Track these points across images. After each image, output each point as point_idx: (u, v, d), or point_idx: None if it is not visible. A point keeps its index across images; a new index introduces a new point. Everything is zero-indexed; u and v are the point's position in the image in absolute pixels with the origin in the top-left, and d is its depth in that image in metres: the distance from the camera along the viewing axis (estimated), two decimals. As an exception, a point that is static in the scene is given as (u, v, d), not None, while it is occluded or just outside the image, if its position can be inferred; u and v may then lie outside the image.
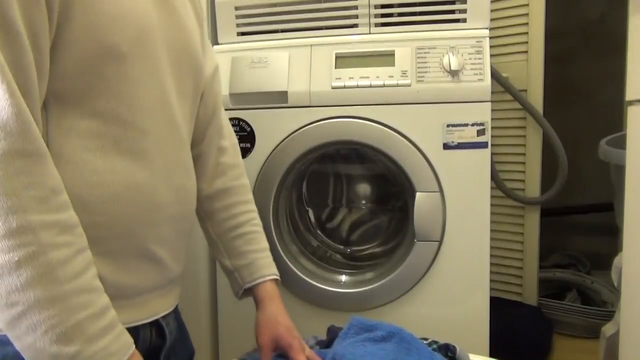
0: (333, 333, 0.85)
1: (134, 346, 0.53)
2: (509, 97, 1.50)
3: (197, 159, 0.77)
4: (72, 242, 0.49)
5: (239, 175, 0.83)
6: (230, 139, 0.84)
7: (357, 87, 1.14)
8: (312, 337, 0.87)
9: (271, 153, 1.19)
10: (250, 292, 0.80)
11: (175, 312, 0.72)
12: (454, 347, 0.78)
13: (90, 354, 0.48)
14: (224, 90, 1.20)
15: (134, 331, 0.59)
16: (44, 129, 0.53)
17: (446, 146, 1.12)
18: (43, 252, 0.46)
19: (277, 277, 0.81)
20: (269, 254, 0.82)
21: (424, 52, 1.13)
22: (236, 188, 0.81)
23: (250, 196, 0.84)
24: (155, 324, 0.65)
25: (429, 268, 1.15)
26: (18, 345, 0.48)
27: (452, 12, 1.16)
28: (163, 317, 0.66)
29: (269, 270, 0.80)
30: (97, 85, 0.54)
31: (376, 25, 1.19)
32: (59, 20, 0.50)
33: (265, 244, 0.83)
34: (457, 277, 1.15)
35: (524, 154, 1.56)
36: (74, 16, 0.51)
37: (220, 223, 0.80)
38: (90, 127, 0.55)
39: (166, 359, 0.68)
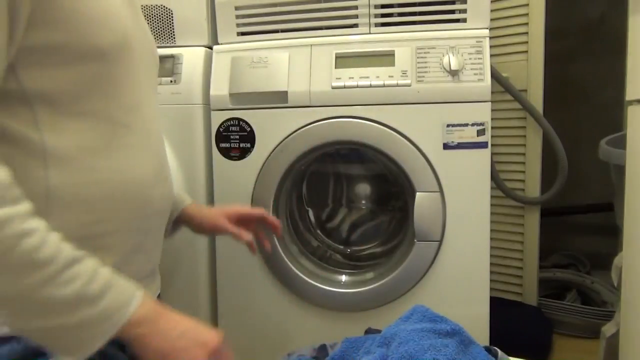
0: (323, 350, 0.84)
1: (139, 292, 0.54)
2: (509, 97, 1.50)
3: None
4: (37, 226, 0.49)
5: None
6: None
7: (357, 87, 1.14)
8: (311, 348, 0.86)
9: (271, 153, 1.19)
10: (181, 219, 0.88)
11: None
12: (495, 350, 0.77)
13: (96, 317, 0.50)
14: (224, 90, 1.20)
15: None
16: (38, 130, 0.54)
17: (446, 146, 1.12)
18: (15, 244, 0.47)
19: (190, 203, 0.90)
20: None
21: (424, 52, 1.13)
22: None
23: None
24: None
25: (429, 268, 1.15)
26: (27, 334, 0.49)
27: (452, 12, 1.16)
28: None
29: (187, 198, 0.90)
30: (86, 86, 0.56)
31: (376, 25, 1.19)
32: (44, 24, 0.52)
33: None
34: (457, 277, 1.15)
35: (524, 154, 1.56)
36: (60, 20, 0.53)
37: None
38: (83, 127, 0.57)
39: None
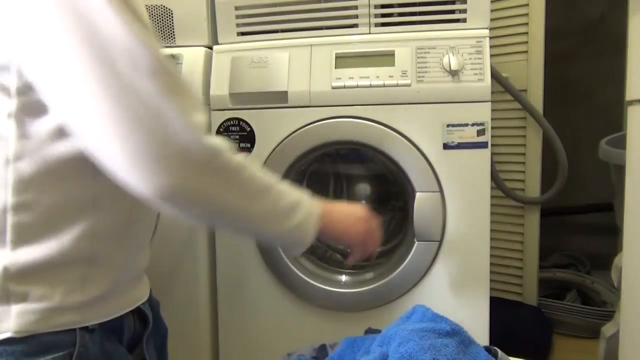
0: (323, 350, 0.84)
1: (318, 206, 0.71)
2: (509, 97, 1.50)
3: None
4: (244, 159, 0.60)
5: None
6: None
7: (357, 87, 1.14)
8: (311, 348, 0.86)
9: (271, 153, 1.19)
10: None
11: (151, 300, 0.76)
12: (495, 350, 0.77)
13: (304, 217, 0.67)
14: (224, 90, 1.20)
15: (118, 321, 0.64)
16: None
17: (446, 146, 1.12)
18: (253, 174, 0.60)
19: None
20: None
21: (424, 52, 1.13)
22: None
23: None
24: (137, 311, 0.69)
25: (429, 268, 1.15)
26: (265, 239, 0.69)
27: (452, 12, 1.16)
28: (143, 303, 0.70)
29: None
30: None
31: (376, 25, 1.19)
32: None
33: None
34: (457, 277, 1.15)
35: (524, 154, 1.56)
36: None
37: None
38: None
39: (147, 343, 0.72)
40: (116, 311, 0.63)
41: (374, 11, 1.19)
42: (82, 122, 0.51)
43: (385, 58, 1.15)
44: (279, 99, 1.18)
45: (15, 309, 0.54)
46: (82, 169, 0.56)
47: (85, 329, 0.58)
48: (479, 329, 1.14)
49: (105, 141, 0.50)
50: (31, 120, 0.54)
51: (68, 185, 0.56)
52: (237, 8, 1.25)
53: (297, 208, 0.66)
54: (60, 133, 0.54)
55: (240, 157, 0.59)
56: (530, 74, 1.52)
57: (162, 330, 0.78)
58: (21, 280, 0.54)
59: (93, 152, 0.52)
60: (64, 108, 0.51)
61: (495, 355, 0.74)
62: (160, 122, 0.50)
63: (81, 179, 0.57)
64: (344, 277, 1.26)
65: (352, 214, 0.77)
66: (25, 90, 0.53)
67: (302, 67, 1.18)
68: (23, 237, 0.54)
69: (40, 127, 0.54)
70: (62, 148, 0.55)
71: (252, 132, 1.20)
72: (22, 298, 0.54)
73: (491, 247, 1.15)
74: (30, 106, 0.53)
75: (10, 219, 0.54)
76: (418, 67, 1.13)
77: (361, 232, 0.76)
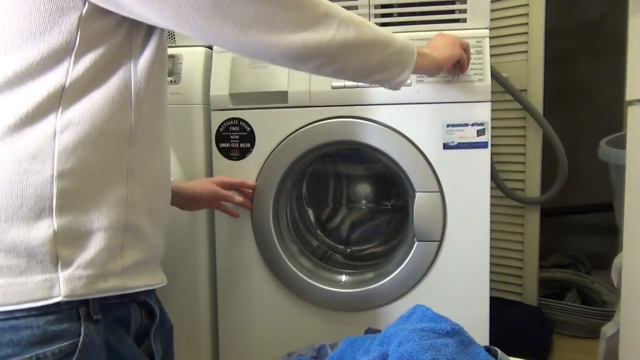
0: (323, 350, 0.84)
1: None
2: (509, 97, 1.50)
3: None
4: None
5: None
6: None
7: (357, 87, 1.14)
8: (311, 348, 0.86)
9: (271, 153, 1.19)
10: None
11: (155, 292, 0.77)
12: (495, 350, 0.77)
13: (405, 45, 0.78)
14: (224, 90, 1.20)
15: (126, 310, 0.65)
16: (129, 114, 0.63)
17: (446, 146, 1.12)
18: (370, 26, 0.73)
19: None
20: None
21: (424, 52, 1.13)
22: None
23: None
24: (144, 305, 0.70)
25: (429, 268, 1.15)
26: (371, 67, 0.74)
27: (452, 12, 1.16)
28: (149, 296, 0.71)
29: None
30: (158, 79, 0.68)
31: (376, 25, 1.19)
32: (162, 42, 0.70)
33: None
34: (457, 277, 1.15)
35: (524, 154, 1.56)
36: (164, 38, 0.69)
37: None
38: (151, 114, 0.67)
39: (154, 337, 0.73)
40: (149, 284, 0.67)
41: (374, 11, 1.19)
42: None
43: (385, 58, 1.15)
44: (279, 99, 1.18)
45: (63, 274, 0.56)
46: (118, 141, 0.61)
47: (90, 319, 0.58)
48: (479, 329, 1.14)
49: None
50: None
51: (105, 156, 0.60)
52: (237, 8, 1.24)
53: (396, 37, 0.77)
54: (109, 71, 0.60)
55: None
56: (530, 74, 1.52)
57: (167, 327, 0.79)
58: (69, 245, 0.57)
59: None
60: None
61: (495, 355, 0.74)
62: None
63: (116, 150, 0.61)
64: (344, 277, 1.26)
65: (448, 40, 0.96)
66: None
67: (302, 67, 1.18)
68: (67, 203, 0.57)
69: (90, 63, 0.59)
70: (102, 116, 0.59)
71: (252, 132, 1.20)
72: (70, 263, 0.57)
73: (491, 247, 1.15)
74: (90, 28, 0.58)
75: (55, 187, 0.56)
76: (418, 67, 1.13)
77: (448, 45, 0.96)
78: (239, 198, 1.13)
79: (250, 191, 1.18)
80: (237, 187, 1.16)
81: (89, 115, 0.58)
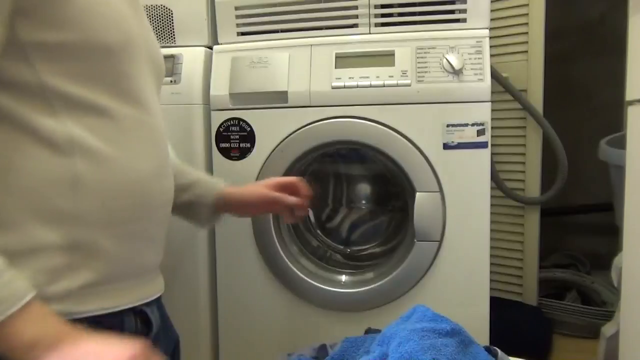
0: (323, 350, 0.84)
1: (31, 294, 0.50)
2: (509, 97, 1.50)
3: None
4: None
5: None
6: None
7: (357, 87, 1.14)
8: (311, 348, 0.86)
9: (271, 153, 1.19)
10: (220, 203, 0.90)
11: (158, 301, 0.74)
12: (495, 350, 0.77)
13: None
14: (224, 90, 1.20)
15: (118, 319, 0.62)
16: (59, 121, 0.57)
17: (446, 146, 1.12)
18: None
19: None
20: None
21: (424, 52, 1.13)
22: None
23: None
24: (140, 312, 0.67)
25: (429, 268, 1.15)
26: None
27: (452, 12, 1.16)
28: (148, 304, 0.68)
29: (216, 179, 0.94)
30: (96, 81, 0.60)
31: (376, 25, 1.19)
32: (58, 22, 0.56)
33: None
34: (457, 277, 1.15)
35: (524, 154, 1.56)
36: (73, 18, 0.56)
37: None
38: (95, 119, 0.59)
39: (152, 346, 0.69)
40: (108, 307, 0.60)
41: (374, 11, 1.19)
42: None
43: (385, 58, 1.15)
44: (279, 99, 1.18)
45: None
46: (49, 150, 0.56)
47: (78, 325, 0.55)
48: (479, 329, 1.14)
49: None
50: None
51: (38, 167, 0.55)
52: (237, 8, 1.25)
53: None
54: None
55: None
56: (530, 74, 1.52)
57: (172, 337, 0.76)
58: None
59: None
60: None
61: (495, 355, 0.74)
62: None
63: (50, 160, 0.56)
64: (344, 277, 1.26)
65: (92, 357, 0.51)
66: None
67: (302, 67, 1.18)
68: (2, 222, 0.54)
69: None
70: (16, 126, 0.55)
71: (252, 132, 1.20)
72: None
73: (491, 247, 1.15)
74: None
75: None
76: (418, 67, 1.13)
77: None
78: (292, 198, 0.94)
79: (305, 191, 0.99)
80: (291, 187, 0.98)
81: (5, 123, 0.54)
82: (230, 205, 0.92)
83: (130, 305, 0.64)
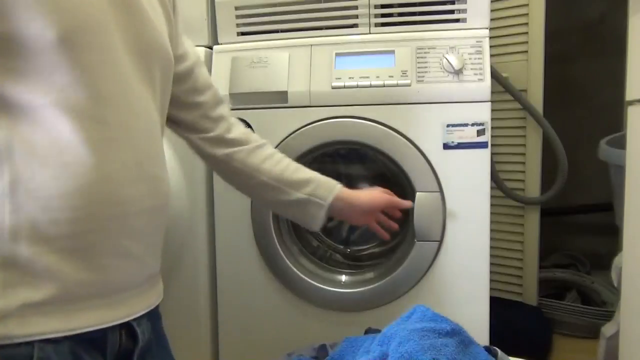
0: (323, 350, 0.84)
1: None
2: (509, 97, 1.50)
3: (223, 135, 0.83)
4: None
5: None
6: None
7: (357, 87, 1.14)
8: (311, 348, 0.86)
9: (271, 153, 1.19)
10: (336, 205, 0.90)
11: (151, 314, 0.68)
12: (495, 350, 0.77)
13: None
14: (224, 90, 1.20)
15: (101, 334, 0.58)
16: (8, 121, 0.53)
17: (446, 146, 1.12)
18: None
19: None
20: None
21: (424, 52, 1.13)
22: (266, 145, 0.90)
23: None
24: (126, 326, 0.62)
25: (429, 268, 1.15)
26: None
27: (452, 12, 1.16)
28: (134, 317, 0.64)
29: (335, 182, 0.92)
30: (45, 76, 0.53)
31: (376, 25, 1.19)
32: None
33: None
34: (457, 277, 1.15)
35: (524, 154, 1.56)
36: (19, 7, 0.51)
37: (272, 168, 0.86)
38: (49, 120, 0.54)
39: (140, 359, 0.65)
40: (69, 328, 0.55)
41: (374, 11, 1.19)
42: None
43: (385, 58, 1.15)
44: (279, 99, 1.18)
45: None
46: None
47: (47, 340, 0.52)
48: (479, 329, 1.14)
49: None
50: None
51: None
52: (237, 8, 1.25)
53: None
54: None
55: None
56: (530, 74, 1.52)
57: (164, 344, 0.73)
58: None
59: None
60: None
61: (495, 355, 0.74)
62: None
63: None
64: (344, 277, 1.26)
65: None
66: None
67: (302, 67, 1.18)
68: None
69: None
70: None
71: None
72: None
73: (491, 247, 1.15)
74: None
75: None
76: (418, 67, 1.13)
77: None
78: (394, 225, 1.03)
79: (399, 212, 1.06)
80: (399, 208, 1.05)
81: None
82: (341, 208, 0.90)
83: (98, 327, 0.58)
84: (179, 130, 0.84)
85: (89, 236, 0.56)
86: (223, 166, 0.85)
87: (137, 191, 0.61)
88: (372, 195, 0.98)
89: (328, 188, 0.89)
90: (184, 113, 0.81)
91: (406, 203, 1.03)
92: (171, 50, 0.70)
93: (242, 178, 0.86)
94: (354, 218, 0.96)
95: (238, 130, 0.86)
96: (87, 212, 0.55)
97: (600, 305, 1.69)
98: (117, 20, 0.59)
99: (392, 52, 1.15)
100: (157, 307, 0.71)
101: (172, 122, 0.82)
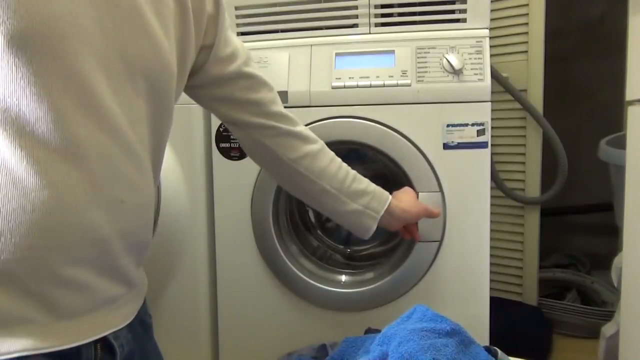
0: (323, 350, 0.84)
1: None
2: (509, 97, 1.50)
3: (275, 137, 0.85)
4: None
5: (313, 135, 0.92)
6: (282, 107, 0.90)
7: (357, 87, 1.14)
8: (311, 348, 0.86)
9: (271, 153, 1.18)
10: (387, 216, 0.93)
11: (133, 324, 0.64)
12: (495, 350, 0.77)
13: None
14: (224, 90, 1.20)
15: (74, 350, 0.54)
16: None
17: (446, 146, 1.12)
18: None
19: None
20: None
21: (424, 52, 1.13)
22: (324, 146, 0.92)
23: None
24: (102, 340, 0.58)
25: (429, 268, 1.15)
26: None
27: (452, 12, 1.16)
28: (112, 332, 0.59)
29: (386, 192, 0.95)
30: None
31: (376, 25, 1.19)
32: None
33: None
34: (457, 277, 1.15)
35: (524, 154, 1.56)
36: None
37: (333, 177, 0.89)
38: None
39: None
40: (17, 350, 0.50)
41: (374, 11, 1.19)
42: None
43: (385, 58, 1.15)
44: (279, 99, 1.18)
45: None
46: None
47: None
48: (479, 329, 1.14)
49: None
50: None
51: None
52: (237, 8, 1.25)
53: None
54: None
55: None
56: (530, 74, 1.52)
57: (149, 355, 0.69)
58: None
59: None
60: None
61: (495, 355, 0.75)
62: None
63: None
64: (344, 277, 1.26)
65: None
66: None
67: (302, 67, 1.18)
68: None
69: None
70: None
71: (252, 132, 1.20)
72: None
73: (491, 247, 1.15)
74: None
75: None
76: (418, 67, 1.13)
77: None
78: (418, 236, 1.08)
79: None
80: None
81: None
82: (388, 220, 0.94)
83: (30, 353, 0.51)
84: (250, 132, 0.85)
85: (21, 266, 0.50)
86: (287, 170, 0.87)
87: (91, 218, 0.53)
88: (413, 206, 0.99)
89: (382, 201, 0.92)
90: (242, 113, 0.83)
91: (436, 212, 1.05)
92: (174, 60, 0.63)
93: (306, 184, 0.88)
94: (393, 227, 0.98)
95: (300, 127, 0.89)
96: (18, 240, 0.49)
97: (600, 305, 1.69)
98: (96, 24, 0.52)
99: (392, 52, 1.15)
100: (142, 316, 0.67)
101: (239, 126, 0.85)
